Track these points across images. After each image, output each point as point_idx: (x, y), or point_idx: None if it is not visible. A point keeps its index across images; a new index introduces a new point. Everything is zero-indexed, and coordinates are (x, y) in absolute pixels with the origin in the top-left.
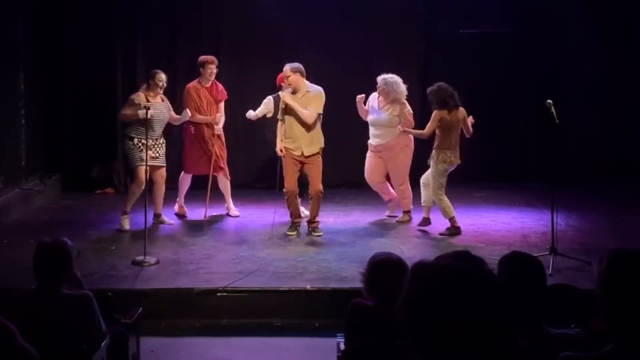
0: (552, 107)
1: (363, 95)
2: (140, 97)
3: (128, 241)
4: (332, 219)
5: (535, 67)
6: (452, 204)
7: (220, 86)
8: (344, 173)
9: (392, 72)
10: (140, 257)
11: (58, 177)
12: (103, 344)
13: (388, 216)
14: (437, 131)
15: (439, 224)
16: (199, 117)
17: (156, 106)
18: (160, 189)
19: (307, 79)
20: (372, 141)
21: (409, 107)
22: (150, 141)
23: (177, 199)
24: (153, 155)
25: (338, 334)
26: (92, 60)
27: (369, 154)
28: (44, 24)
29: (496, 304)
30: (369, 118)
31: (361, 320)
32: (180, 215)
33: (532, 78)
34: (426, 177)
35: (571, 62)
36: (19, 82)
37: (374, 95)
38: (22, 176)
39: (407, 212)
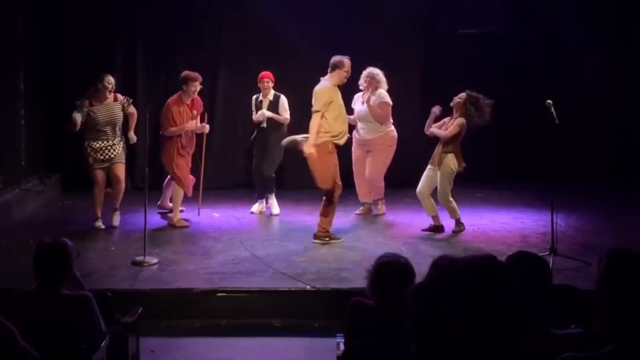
0: (552, 107)
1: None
2: (84, 103)
3: (128, 241)
4: None
5: (535, 67)
6: None
7: (199, 100)
8: (343, 173)
9: (392, 72)
10: (140, 258)
11: (58, 177)
12: (103, 344)
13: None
14: (453, 136)
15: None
16: (172, 130)
17: (106, 107)
18: (116, 188)
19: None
20: (359, 135)
21: (388, 98)
22: (100, 143)
23: (172, 214)
24: (101, 157)
25: (338, 334)
26: (92, 60)
27: (355, 150)
28: (44, 23)
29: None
30: (357, 114)
31: (361, 319)
32: (181, 227)
33: (532, 78)
34: (423, 188)
35: (571, 62)
36: (19, 82)
37: (358, 95)
38: (22, 176)
39: (380, 200)
